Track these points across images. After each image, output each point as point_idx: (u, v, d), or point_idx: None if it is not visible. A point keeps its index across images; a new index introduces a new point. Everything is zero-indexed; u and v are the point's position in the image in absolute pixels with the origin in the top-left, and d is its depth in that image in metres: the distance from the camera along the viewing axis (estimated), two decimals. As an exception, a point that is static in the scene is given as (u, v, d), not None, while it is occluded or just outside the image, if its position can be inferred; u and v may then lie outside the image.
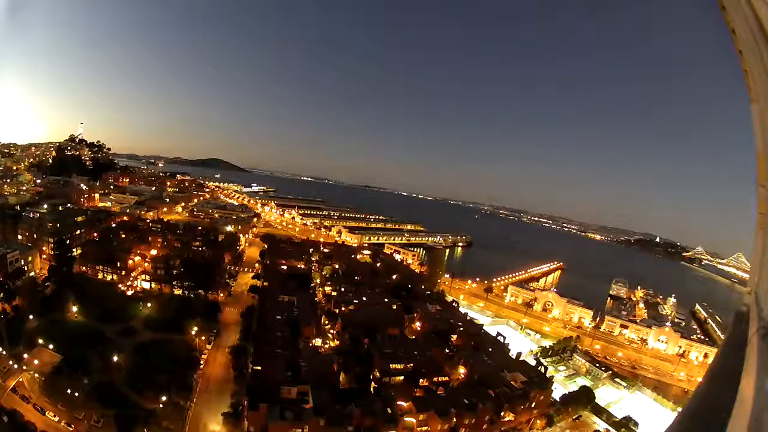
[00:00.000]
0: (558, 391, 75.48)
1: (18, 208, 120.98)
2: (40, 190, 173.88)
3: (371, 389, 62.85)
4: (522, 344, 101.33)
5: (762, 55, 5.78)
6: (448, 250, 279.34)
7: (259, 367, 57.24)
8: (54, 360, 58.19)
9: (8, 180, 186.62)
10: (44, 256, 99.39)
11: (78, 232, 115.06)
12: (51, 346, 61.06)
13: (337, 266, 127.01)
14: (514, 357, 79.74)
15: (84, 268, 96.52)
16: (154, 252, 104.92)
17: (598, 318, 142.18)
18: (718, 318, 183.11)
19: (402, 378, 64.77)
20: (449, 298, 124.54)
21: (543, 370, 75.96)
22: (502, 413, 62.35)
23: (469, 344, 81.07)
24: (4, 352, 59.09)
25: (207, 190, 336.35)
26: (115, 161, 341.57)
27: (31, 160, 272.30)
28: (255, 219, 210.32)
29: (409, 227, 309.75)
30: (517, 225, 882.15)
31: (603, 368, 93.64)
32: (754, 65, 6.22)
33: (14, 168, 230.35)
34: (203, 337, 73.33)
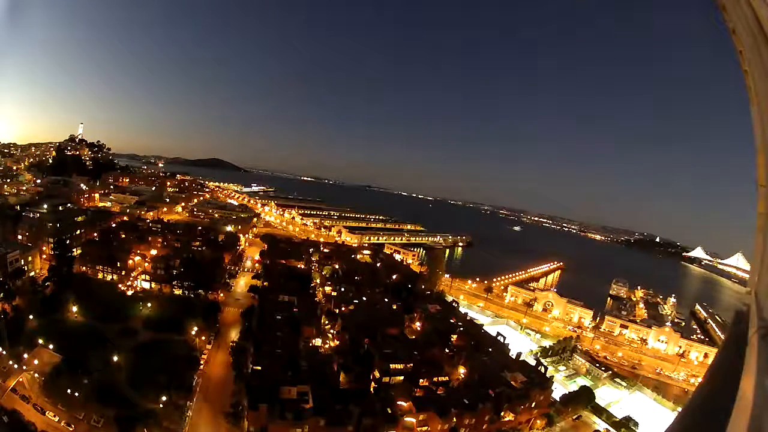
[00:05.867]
0: (558, 391, 75.48)
1: (18, 208, 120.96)
2: (40, 190, 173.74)
3: (371, 389, 62.86)
4: (522, 344, 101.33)
5: (762, 55, 5.79)
6: (448, 250, 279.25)
7: (259, 367, 57.26)
8: (54, 360, 58.16)
9: (8, 180, 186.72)
10: (44, 256, 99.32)
11: (78, 232, 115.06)
12: (51, 346, 61.04)
13: (337, 266, 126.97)
14: (514, 357, 79.71)
15: (84, 268, 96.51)
16: (154, 252, 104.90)
17: (598, 318, 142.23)
18: (718, 318, 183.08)
19: (402, 378, 64.72)
20: (449, 298, 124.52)
21: (543, 370, 75.95)
22: (502, 413, 62.34)
23: (469, 344, 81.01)
24: (4, 352, 59.10)
25: (207, 190, 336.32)
26: (115, 161, 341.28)
27: (31, 160, 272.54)
28: (255, 219, 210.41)
29: (409, 227, 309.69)
30: (517, 224, 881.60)
31: (603, 368, 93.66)
32: (754, 65, 6.24)
33: (14, 168, 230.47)
34: (203, 337, 73.36)
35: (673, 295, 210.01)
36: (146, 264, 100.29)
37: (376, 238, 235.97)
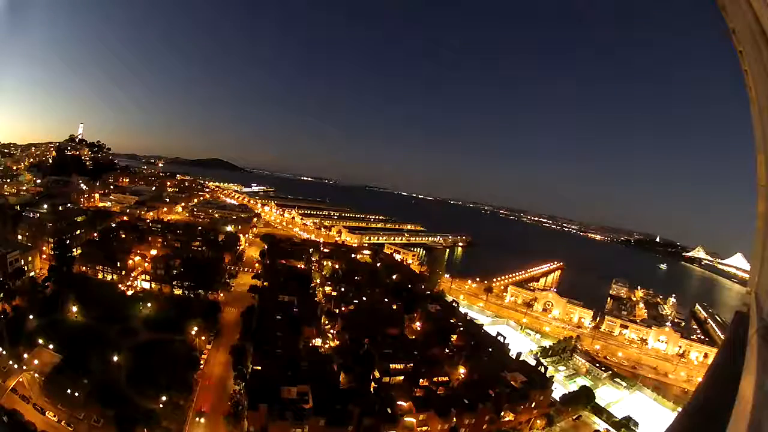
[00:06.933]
0: (558, 391, 75.46)
1: (18, 208, 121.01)
2: (40, 190, 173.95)
3: (371, 389, 62.85)
4: (522, 344, 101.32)
5: (762, 55, 5.79)
6: (448, 250, 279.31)
7: (259, 367, 57.25)
8: (54, 360, 58.20)
9: (8, 180, 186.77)
10: (44, 256, 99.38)
11: (78, 232, 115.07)
12: (51, 346, 61.06)
13: (337, 266, 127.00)
14: (514, 357, 79.73)
15: (84, 268, 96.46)
16: (154, 252, 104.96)
17: (598, 318, 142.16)
18: (718, 318, 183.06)
19: (402, 378, 64.74)
20: (449, 298, 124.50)
21: (543, 370, 75.93)
22: (502, 413, 62.34)
23: (469, 344, 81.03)
24: (4, 352, 59.14)
25: (207, 190, 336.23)
26: (115, 161, 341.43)
27: (31, 160, 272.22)
28: (255, 219, 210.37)
29: (409, 227, 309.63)
30: (518, 225, 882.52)
31: (603, 368, 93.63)
32: (754, 65, 6.24)
33: (14, 168, 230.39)
34: (203, 337, 73.33)
35: (673, 295, 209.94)
36: (146, 264, 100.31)
37: (376, 238, 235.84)
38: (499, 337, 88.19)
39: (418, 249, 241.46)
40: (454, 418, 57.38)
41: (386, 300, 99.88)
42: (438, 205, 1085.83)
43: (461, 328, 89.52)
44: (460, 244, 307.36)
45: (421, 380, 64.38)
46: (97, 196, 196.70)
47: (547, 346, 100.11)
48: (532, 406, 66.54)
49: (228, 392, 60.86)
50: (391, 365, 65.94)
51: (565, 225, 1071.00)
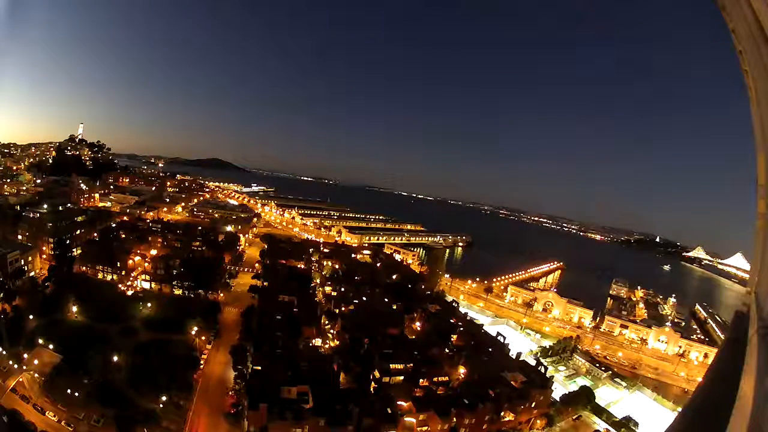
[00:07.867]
0: (558, 391, 75.46)
1: (18, 208, 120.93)
2: (40, 190, 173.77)
3: (371, 389, 62.85)
4: (522, 344, 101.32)
5: (762, 55, 5.79)
6: (448, 250, 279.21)
7: (259, 367, 57.26)
8: (54, 360, 58.14)
9: (8, 180, 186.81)
10: (44, 256, 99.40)
11: (78, 232, 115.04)
12: (51, 346, 61.00)
13: (337, 266, 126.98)
14: (514, 357, 79.72)
15: (84, 268, 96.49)
16: (154, 252, 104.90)
17: (598, 318, 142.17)
18: (718, 318, 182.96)
19: (402, 378, 64.74)
20: (449, 298, 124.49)
21: (543, 370, 75.91)
22: (502, 413, 62.35)
23: (469, 344, 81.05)
24: (4, 352, 59.10)
25: (207, 190, 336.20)
26: (115, 161, 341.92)
27: (31, 160, 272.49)
28: (255, 219, 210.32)
29: (409, 227, 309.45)
30: (518, 225, 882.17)
31: (603, 368, 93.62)
32: (754, 65, 6.24)
33: (14, 168, 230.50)
34: (203, 337, 73.33)
35: (673, 295, 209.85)
36: (146, 264, 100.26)
37: (376, 238, 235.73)
38: (499, 337, 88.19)
39: (418, 249, 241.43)
40: (454, 418, 57.36)
41: (386, 300, 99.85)
42: (438, 205, 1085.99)
43: (461, 328, 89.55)
44: (460, 244, 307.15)
45: (421, 380, 64.39)
46: (97, 196, 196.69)
47: (547, 346, 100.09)
48: (532, 406, 66.53)
49: (228, 392, 60.89)
50: (391, 365, 65.94)
51: (565, 225, 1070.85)
